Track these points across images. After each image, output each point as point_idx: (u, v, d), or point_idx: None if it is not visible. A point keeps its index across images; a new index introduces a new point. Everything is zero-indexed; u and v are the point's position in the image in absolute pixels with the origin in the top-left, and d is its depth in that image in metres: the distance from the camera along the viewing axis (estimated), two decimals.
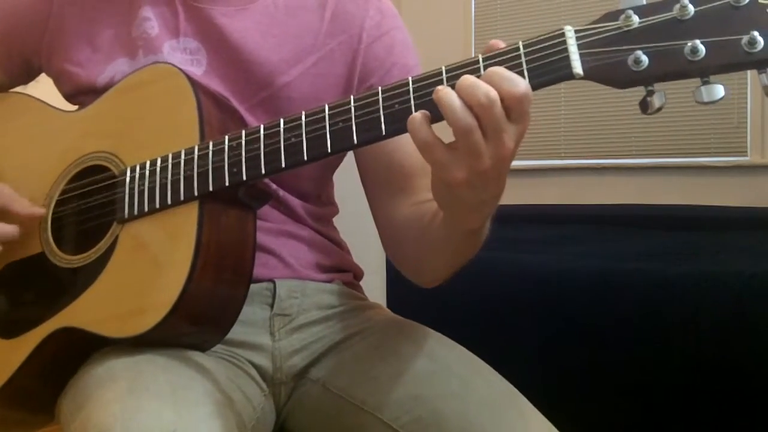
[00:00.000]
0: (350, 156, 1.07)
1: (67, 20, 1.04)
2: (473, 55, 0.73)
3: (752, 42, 0.62)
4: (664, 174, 3.65)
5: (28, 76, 1.13)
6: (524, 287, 2.00)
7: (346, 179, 1.13)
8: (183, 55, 1.01)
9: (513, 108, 0.68)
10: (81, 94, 1.03)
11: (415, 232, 0.95)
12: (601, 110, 3.74)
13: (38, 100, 1.08)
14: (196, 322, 0.88)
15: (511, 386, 0.90)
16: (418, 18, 3.76)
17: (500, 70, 0.68)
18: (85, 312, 0.90)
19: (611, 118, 3.71)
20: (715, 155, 3.55)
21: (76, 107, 1.05)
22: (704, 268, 1.85)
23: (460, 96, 0.68)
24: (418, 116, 0.71)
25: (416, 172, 0.99)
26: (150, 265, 0.88)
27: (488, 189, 0.74)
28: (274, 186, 1.01)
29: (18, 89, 1.13)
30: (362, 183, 1.06)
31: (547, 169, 3.87)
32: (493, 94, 0.68)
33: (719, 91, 0.65)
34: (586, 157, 3.81)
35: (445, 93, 0.69)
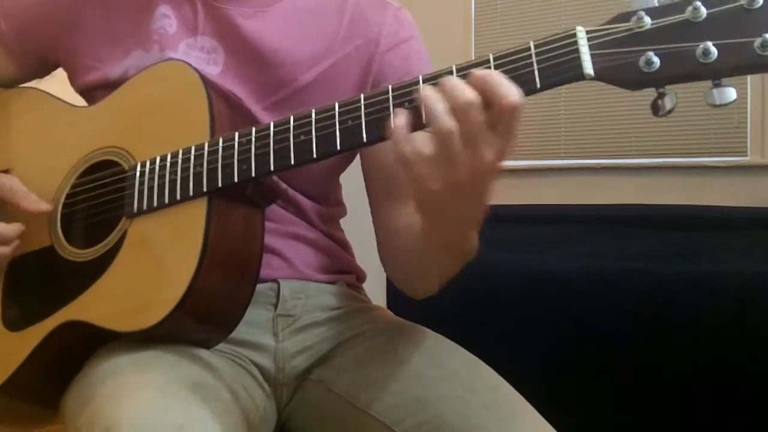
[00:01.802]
0: (355, 158, 1.07)
1: (87, 16, 1.05)
2: (478, 56, 0.72)
3: (765, 45, 0.62)
4: (664, 174, 3.64)
5: (44, 71, 1.14)
6: (524, 287, 2.00)
7: (350, 181, 1.13)
8: (200, 54, 1.01)
9: (502, 116, 0.67)
10: (96, 89, 1.04)
11: (407, 241, 0.94)
12: (601, 110, 3.73)
13: (50, 95, 1.09)
14: (202, 319, 0.89)
15: (513, 390, 0.90)
16: (418, 18, 3.74)
17: (497, 76, 0.68)
18: (91, 306, 0.90)
19: (611, 118, 3.70)
20: (715, 155, 3.54)
21: (87, 102, 1.06)
22: (704, 268, 1.85)
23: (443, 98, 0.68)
24: (402, 135, 0.70)
25: None
26: (157, 260, 0.88)
27: (464, 203, 0.73)
28: (283, 186, 1.01)
29: (33, 84, 1.14)
30: (366, 189, 1.06)
31: (547, 169, 3.84)
32: (471, 97, 0.67)
33: (731, 93, 0.64)
34: (586, 157, 3.80)
35: (428, 96, 0.69)
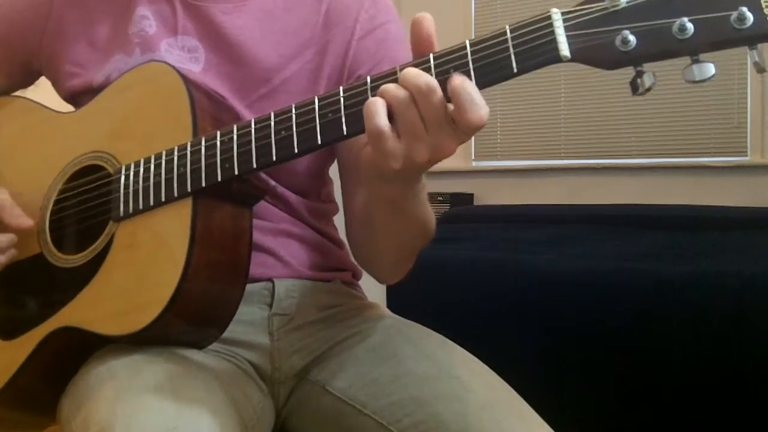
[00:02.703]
0: None
1: (66, 22, 1.05)
2: (461, 43, 0.72)
3: (741, 18, 0.61)
4: (664, 174, 3.65)
5: (29, 79, 1.14)
6: (524, 287, 1.99)
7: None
8: (181, 53, 1.01)
9: (464, 129, 0.69)
10: (81, 95, 1.04)
11: (361, 215, 0.96)
12: (601, 110, 3.74)
13: (36, 102, 1.09)
14: (193, 319, 0.88)
15: (511, 389, 0.89)
16: None
17: (471, 91, 0.68)
18: (82, 311, 0.90)
19: (611, 118, 3.72)
20: (715, 155, 3.55)
21: (73, 108, 1.05)
22: (704, 268, 1.84)
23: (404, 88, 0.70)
24: (378, 103, 0.71)
25: None
26: (145, 262, 0.88)
27: (413, 174, 0.77)
28: (272, 183, 1.01)
29: (18, 93, 1.14)
30: (339, 175, 1.06)
31: (547, 169, 3.88)
32: (423, 86, 0.69)
33: (710, 69, 0.63)
34: (586, 157, 3.82)
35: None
